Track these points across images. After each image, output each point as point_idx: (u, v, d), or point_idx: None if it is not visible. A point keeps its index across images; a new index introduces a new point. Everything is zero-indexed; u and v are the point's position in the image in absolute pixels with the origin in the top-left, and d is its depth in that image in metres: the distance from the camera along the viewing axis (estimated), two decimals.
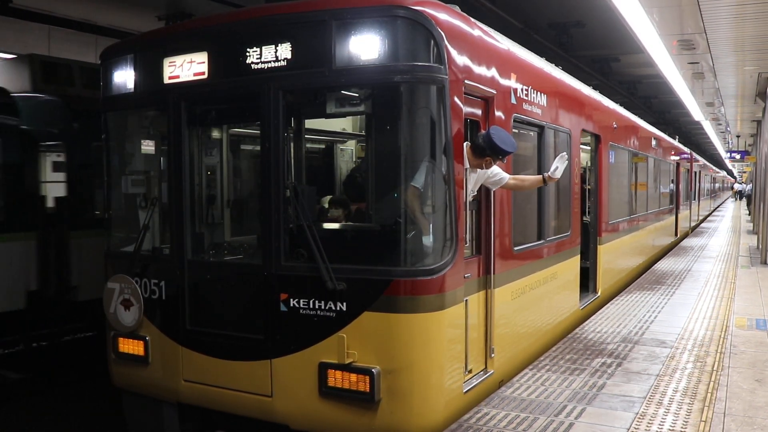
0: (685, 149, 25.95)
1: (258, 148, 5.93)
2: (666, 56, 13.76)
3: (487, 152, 5.82)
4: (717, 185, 60.23)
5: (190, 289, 6.20)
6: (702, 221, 34.24)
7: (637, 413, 5.69)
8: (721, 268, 15.23)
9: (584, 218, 10.36)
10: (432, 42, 5.28)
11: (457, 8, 5.88)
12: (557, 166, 6.64)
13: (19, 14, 12.24)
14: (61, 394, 10.12)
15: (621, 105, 13.96)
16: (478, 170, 6.01)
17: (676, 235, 22.09)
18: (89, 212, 11.25)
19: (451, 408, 5.59)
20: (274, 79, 5.62)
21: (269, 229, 5.71)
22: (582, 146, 9.91)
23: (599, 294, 10.73)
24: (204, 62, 6.00)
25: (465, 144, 5.80)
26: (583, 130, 9.65)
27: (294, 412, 5.65)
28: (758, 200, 21.75)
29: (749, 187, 46.32)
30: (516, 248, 6.95)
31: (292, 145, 6.92)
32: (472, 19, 6.16)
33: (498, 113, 6.39)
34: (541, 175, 6.86)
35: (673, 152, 21.33)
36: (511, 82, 6.74)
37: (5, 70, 12.19)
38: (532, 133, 7.77)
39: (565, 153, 6.81)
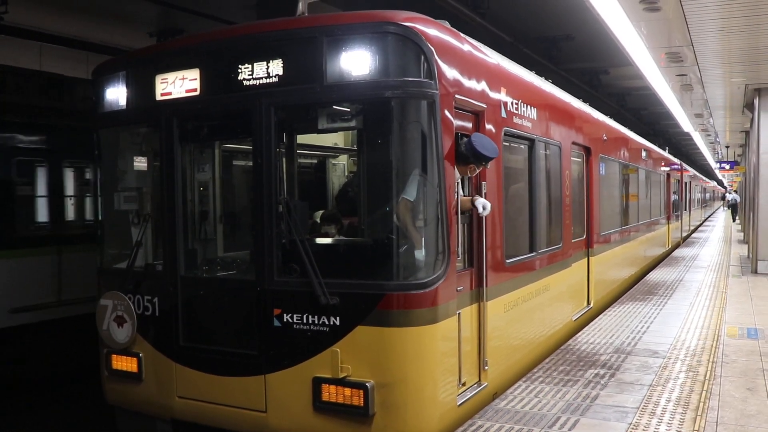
0: (675, 160, 26.11)
1: (250, 163, 5.96)
2: (654, 69, 13.88)
3: (471, 159, 5.86)
4: (708, 195, 60.52)
5: (184, 305, 6.20)
6: (693, 231, 34.39)
7: (631, 423, 5.71)
8: (713, 278, 15.31)
9: None
10: (422, 57, 5.33)
11: (446, 23, 5.94)
12: (484, 207, 6.19)
13: (11, 31, 12.27)
14: (54, 409, 10.06)
15: (611, 117, 14.05)
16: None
17: (667, 245, 22.18)
18: None
19: (445, 421, 5.60)
20: (266, 95, 5.66)
21: (262, 244, 5.73)
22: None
23: (591, 305, 10.76)
24: (196, 79, 6.04)
25: None
26: (574, 143, 9.72)
27: (288, 427, 5.65)
28: (748, 210, 21.88)
29: (731, 197, 47.16)
30: (508, 261, 6.98)
31: (284, 160, 6.94)
32: (462, 34, 6.22)
33: (488, 127, 6.44)
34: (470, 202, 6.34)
35: (663, 163, 21.46)
36: (501, 96, 6.80)
37: None
38: (522, 146, 7.82)
39: (485, 203, 6.24)
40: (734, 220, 43.49)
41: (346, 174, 10.47)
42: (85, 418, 9.43)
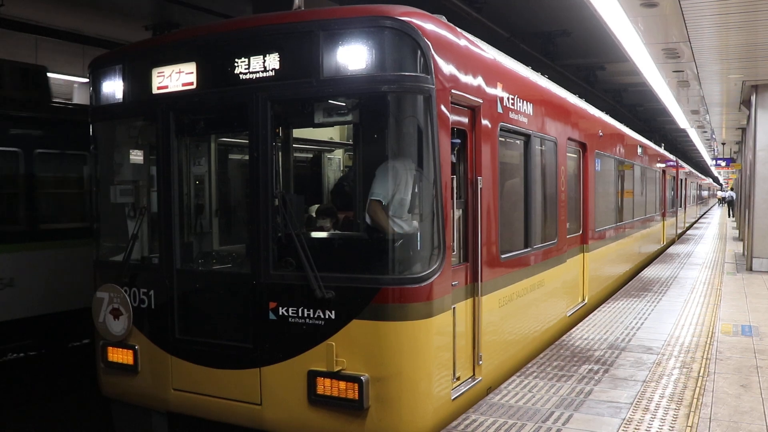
0: (671, 157, 26.14)
1: (246, 157, 5.97)
2: (651, 65, 13.89)
3: None
4: (703, 192, 60.61)
5: (179, 298, 6.21)
6: (688, 228, 34.45)
7: (624, 419, 5.73)
8: (707, 275, 15.34)
9: None
10: (419, 52, 5.33)
11: (443, 18, 5.94)
12: None
13: (7, 24, 12.25)
14: (50, 404, 10.06)
15: (607, 113, 14.07)
16: None
17: (662, 242, 22.23)
18: None
19: (439, 415, 5.62)
20: (262, 89, 5.66)
21: (258, 238, 5.74)
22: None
23: (586, 301, 10.79)
24: (192, 72, 6.03)
25: None
26: (569, 139, 9.74)
27: (283, 420, 5.67)
28: (743, 207, 21.92)
29: (728, 194, 47.69)
30: (503, 256, 7.00)
31: (280, 154, 6.94)
32: (459, 29, 6.22)
33: (484, 122, 6.45)
34: None
35: (659, 160, 21.49)
36: (498, 91, 6.81)
37: None
38: (518, 141, 7.83)
39: None
40: (731, 216, 43.84)
41: (342, 168, 10.47)
42: (83, 414, 9.45)
